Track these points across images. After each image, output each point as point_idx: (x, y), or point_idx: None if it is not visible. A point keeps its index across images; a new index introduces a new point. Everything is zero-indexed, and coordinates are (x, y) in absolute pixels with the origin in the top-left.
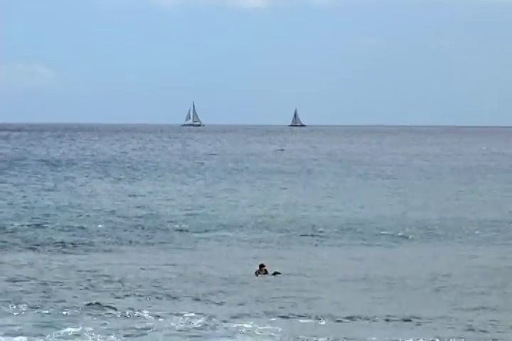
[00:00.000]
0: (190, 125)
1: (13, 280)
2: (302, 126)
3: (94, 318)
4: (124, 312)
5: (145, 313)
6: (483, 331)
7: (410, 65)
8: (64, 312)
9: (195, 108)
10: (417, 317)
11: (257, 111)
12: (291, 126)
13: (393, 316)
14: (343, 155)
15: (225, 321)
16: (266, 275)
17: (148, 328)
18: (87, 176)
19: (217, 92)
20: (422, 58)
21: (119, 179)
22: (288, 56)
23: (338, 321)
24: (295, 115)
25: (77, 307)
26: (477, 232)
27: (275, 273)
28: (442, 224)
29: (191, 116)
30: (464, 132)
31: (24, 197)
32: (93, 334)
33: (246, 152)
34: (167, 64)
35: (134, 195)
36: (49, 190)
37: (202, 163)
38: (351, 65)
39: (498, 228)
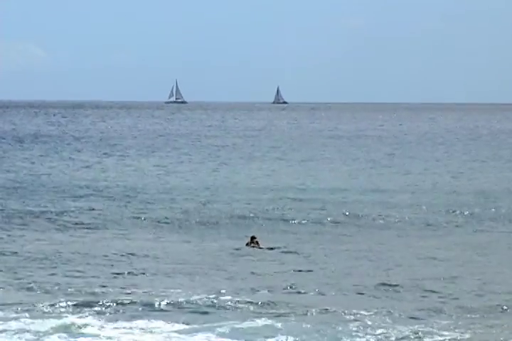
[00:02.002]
0: (174, 102)
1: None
2: (284, 103)
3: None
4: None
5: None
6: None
7: (394, 45)
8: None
9: (178, 85)
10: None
11: (240, 89)
12: (274, 103)
13: (384, 286)
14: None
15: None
16: (257, 248)
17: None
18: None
19: (202, 69)
20: (407, 38)
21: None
22: (274, 33)
23: (330, 294)
24: (277, 92)
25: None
26: None
27: (271, 248)
28: None
29: (174, 94)
30: (442, 109)
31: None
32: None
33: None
34: (153, 42)
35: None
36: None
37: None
38: (335, 44)
39: None
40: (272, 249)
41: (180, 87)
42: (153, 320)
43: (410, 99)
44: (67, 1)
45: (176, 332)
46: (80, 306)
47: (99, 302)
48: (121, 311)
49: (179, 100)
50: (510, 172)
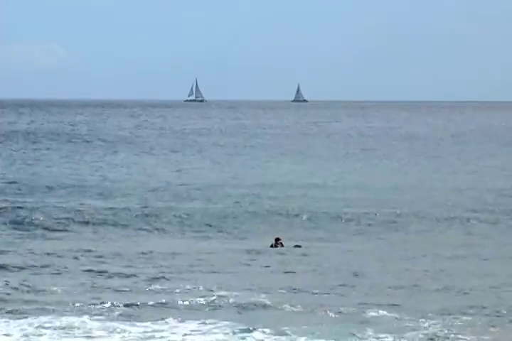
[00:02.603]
0: (193, 100)
1: None
2: (304, 101)
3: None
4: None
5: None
6: None
7: (412, 44)
8: None
9: (198, 84)
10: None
11: (260, 87)
12: (294, 101)
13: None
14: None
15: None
16: (282, 248)
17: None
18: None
19: (221, 68)
20: (423, 37)
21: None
22: (293, 33)
23: (353, 290)
24: (298, 91)
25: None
26: None
27: (296, 246)
28: None
29: (194, 92)
30: (454, 107)
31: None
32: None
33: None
34: (174, 42)
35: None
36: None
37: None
38: (352, 43)
39: None
40: (297, 246)
41: (199, 86)
42: (171, 319)
43: (423, 97)
44: (89, 2)
45: (195, 330)
46: (91, 304)
47: (122, 301)
48: (139, 310)
49: (199, 99)
50: None
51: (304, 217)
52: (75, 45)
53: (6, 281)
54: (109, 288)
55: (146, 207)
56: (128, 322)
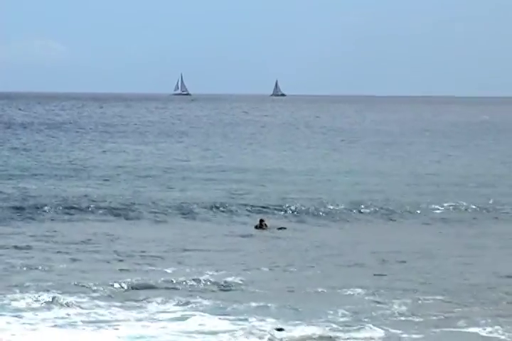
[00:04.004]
0: (179, 94)
1: None
2: (283, 95)
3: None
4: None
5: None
6: None
7: (389, 41)
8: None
9: (183, 79)
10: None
11: (241, 81)
12: (273, 95)
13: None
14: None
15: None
16: (266, 230)
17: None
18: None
19: (205, 63)
20: (400, 35)
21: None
22: (274, 28)
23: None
24: (276, 85)
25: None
26: None
27: (280, 228)
28: None
29: (179, 87)
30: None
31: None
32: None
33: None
34: (162, 39)
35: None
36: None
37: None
38: (332, 39)
39: None
40: (281, 228)
41: (184, 80)
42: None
43: (403, 92)
44: (86, 2)
45: (177, 310)
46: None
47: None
48: (124, 290)
49: (184, 92)
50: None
51: (290, 204)
52: (73, 41)
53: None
54: (95, 270)
55: (138, 193)
56: (113, 302)
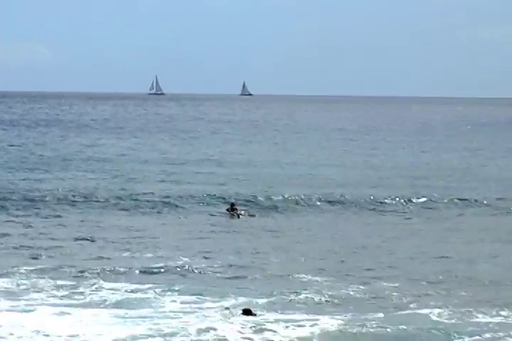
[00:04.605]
0: (154, 94)
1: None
2: (250, 95)
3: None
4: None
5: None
6: None
7: (347, 42)
8: None
9: (158, 80)
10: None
11: (211, 81)
12: (241, 95)
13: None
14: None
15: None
16: (237, 218)
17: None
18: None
19: (177, 64)
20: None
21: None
22: (241, 30)
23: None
24: (244, 86)
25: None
26: None
27: (250, 216)
28: None
29: (154, 87)
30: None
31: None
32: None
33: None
34: (138, 42)
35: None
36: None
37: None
38: (298, 41)
39: None
40: (251, 216)
41: (158, 81)
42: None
43: (358, 92)
44: (70, 7)
45: (156, 293)
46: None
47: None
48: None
49: (159, 92)
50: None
51: (260, 194)
52: (56, 44)
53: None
54: (77, 254)
55: (123, 189)
56: (90, 285)
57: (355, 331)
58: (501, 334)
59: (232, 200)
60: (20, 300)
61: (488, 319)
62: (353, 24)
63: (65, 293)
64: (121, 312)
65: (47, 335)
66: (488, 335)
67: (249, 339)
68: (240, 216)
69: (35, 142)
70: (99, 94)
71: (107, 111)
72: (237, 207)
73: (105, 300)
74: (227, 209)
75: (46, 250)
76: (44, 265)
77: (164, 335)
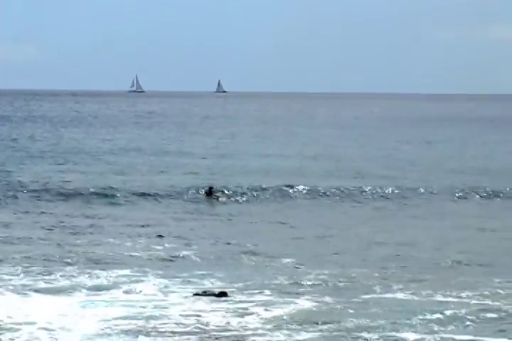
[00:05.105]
0: (135, 91)
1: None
2: (224, 92)
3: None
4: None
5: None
6: None
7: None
8: None
9: (138, 78)
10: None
11: (190, 79)
12: (216, 92)
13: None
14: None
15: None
16: (214, 198)
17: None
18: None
19: (158, 62)
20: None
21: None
22: (218, 28)
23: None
24: (219, 84)
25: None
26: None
27: (228, 198)
28: None
29: (135, 84)
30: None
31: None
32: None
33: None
34: (118, 41)
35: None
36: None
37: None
38: (272, 38)
39: None
40: (229, 198)
41: (138, 79)
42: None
43: (329, 88)
44: (57, 9)
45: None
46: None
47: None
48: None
49: (139, 90)
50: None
51: (237, 184)
52: (44, 45)
53: None
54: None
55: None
56: (72, 271)
57: (329, 311)
58: (463, 311)
59: (211, 185)
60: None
61: (449, 299)
62: (326, 23)
63: (40, 278)
64: (100, 296)
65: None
66: (449, 313)
67: (228, 322)
68: (219, 198)
69: (25, 136)
70: (82, 92)
71: (91, 107)
72: (215, 191)
73: (84, 285)
74: (206, 193)
75: (20, 239)
76: (21, 254)
77: (146, 318)
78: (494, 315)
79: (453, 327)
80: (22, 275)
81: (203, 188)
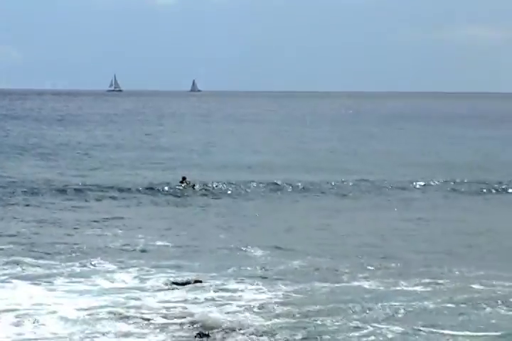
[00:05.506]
0: (113, 90)
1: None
2: (199, 91)
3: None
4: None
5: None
6: None
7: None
8: None
9: (116, 77)
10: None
11: (166, 79)
12: (191, 91)
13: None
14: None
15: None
16: (188, 187)
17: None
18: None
19: (136, 62)
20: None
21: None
22: (193, 30)
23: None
24: (193, 84)
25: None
26: None
27: (204, 189)
28: None
29: (113, 84)
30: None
31: None
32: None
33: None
34: (98, 42)
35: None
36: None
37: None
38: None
39: None
40: (205, 189)
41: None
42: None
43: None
44: (39, 14)
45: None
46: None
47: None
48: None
49: (117, 89)
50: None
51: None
52: (25, 46)
53: None
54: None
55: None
56: (54, 261)
57: (297, 298)
58: (424, 301)
59: (183, 175)
60: None
61: (412, 288)
62: (295, 26)
63: (21, 267)
64: (80, 284)
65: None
66: (412, 302)
67: (203, 308)
68: (194, 186)
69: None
70: (62, 91)
71: (72, 106)
72: (189, 181)
73: (64, 274)
74: (180, 182)
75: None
76: (5, 245)
77: (124, 306)
78: (453, 305)
79: (414, 316)
80: (3, 265)
81: (179, 181)
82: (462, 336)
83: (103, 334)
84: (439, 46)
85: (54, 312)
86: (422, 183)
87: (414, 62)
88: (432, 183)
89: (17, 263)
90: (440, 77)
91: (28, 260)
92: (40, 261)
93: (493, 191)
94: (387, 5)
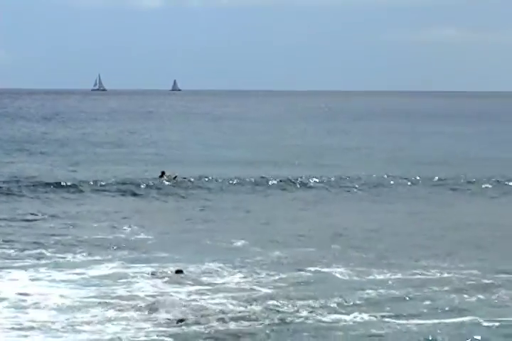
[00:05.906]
0: (98, 90)
1: None
2: (179, 90)
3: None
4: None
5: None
6: None
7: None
8: None
9: (101, 77)
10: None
11: (147, 78)
12: (171, 90)
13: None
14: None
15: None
16: (168, 180)
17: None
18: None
19: (121, 62)
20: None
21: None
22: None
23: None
24: (174, 83)
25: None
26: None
27: (188, 181)
28: None
29: (98, 83)
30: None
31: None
32: None
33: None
34: (83, 42)
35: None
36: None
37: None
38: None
39: None
40: (189, 181)
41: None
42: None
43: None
44: (25, 14)
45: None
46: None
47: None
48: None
49: (101, 88)
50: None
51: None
52: (12, 46)
53: None
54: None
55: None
56: (44, 253)
57: (277, 287)
58: (395, 291)
59: (162, 170)
60: None
61: (383, 277)
62: (276, 26)
63: (11, 259)
64: (67, 275)
65: None
66: (382, 291)
67: (184, 296)
68: (176, 178)
69: None
70: (48, 91)
71: (57, 104)
72: (168, 173)
73: (52, 264)
74: (160, 177)
75: None
76: None
77: (109, 295)
78: (421, 294)
79: (384, 304)
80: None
81: (158, 175)
82: (429, 323)
83: (87, 323)
84: (420, 47)
85: (38, 301)
86: (394, 177)
87: (400, 62)
88: (404, 178)
89: (4, 254)
90: (425, 76)
91: (11, 251)
92: (26, 252)
93: (462, 186)
94: (371, 5)
